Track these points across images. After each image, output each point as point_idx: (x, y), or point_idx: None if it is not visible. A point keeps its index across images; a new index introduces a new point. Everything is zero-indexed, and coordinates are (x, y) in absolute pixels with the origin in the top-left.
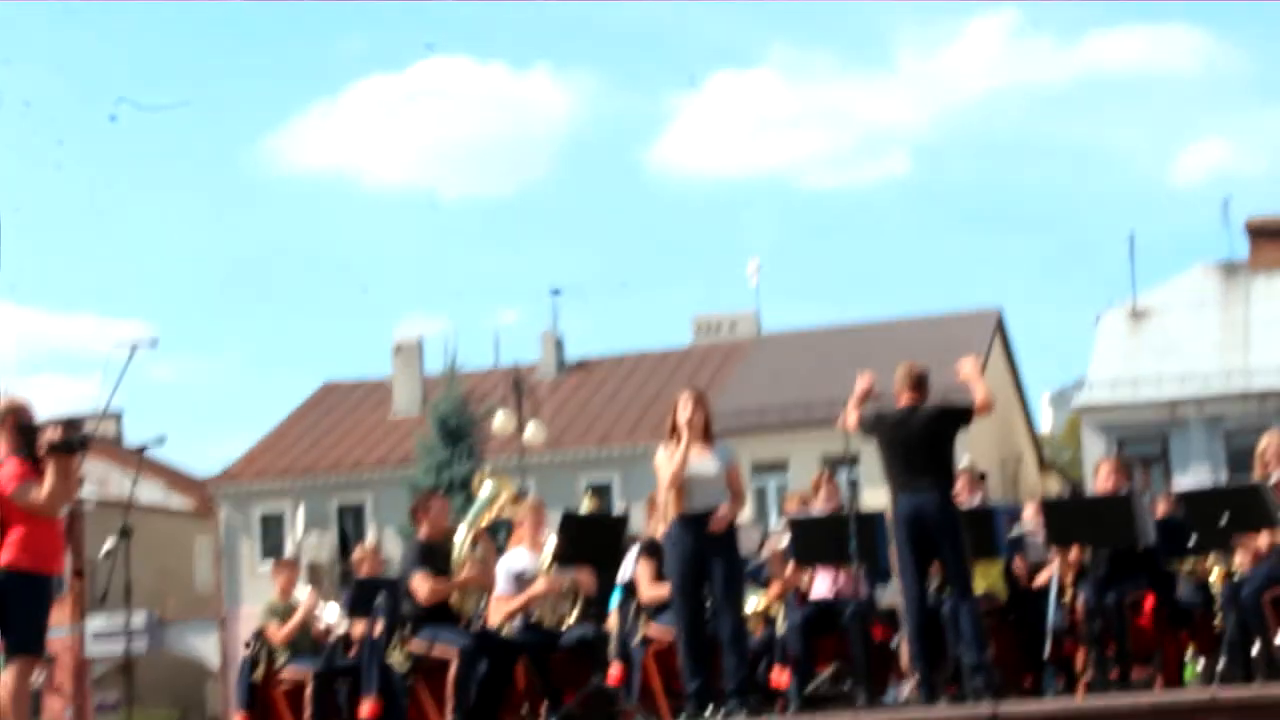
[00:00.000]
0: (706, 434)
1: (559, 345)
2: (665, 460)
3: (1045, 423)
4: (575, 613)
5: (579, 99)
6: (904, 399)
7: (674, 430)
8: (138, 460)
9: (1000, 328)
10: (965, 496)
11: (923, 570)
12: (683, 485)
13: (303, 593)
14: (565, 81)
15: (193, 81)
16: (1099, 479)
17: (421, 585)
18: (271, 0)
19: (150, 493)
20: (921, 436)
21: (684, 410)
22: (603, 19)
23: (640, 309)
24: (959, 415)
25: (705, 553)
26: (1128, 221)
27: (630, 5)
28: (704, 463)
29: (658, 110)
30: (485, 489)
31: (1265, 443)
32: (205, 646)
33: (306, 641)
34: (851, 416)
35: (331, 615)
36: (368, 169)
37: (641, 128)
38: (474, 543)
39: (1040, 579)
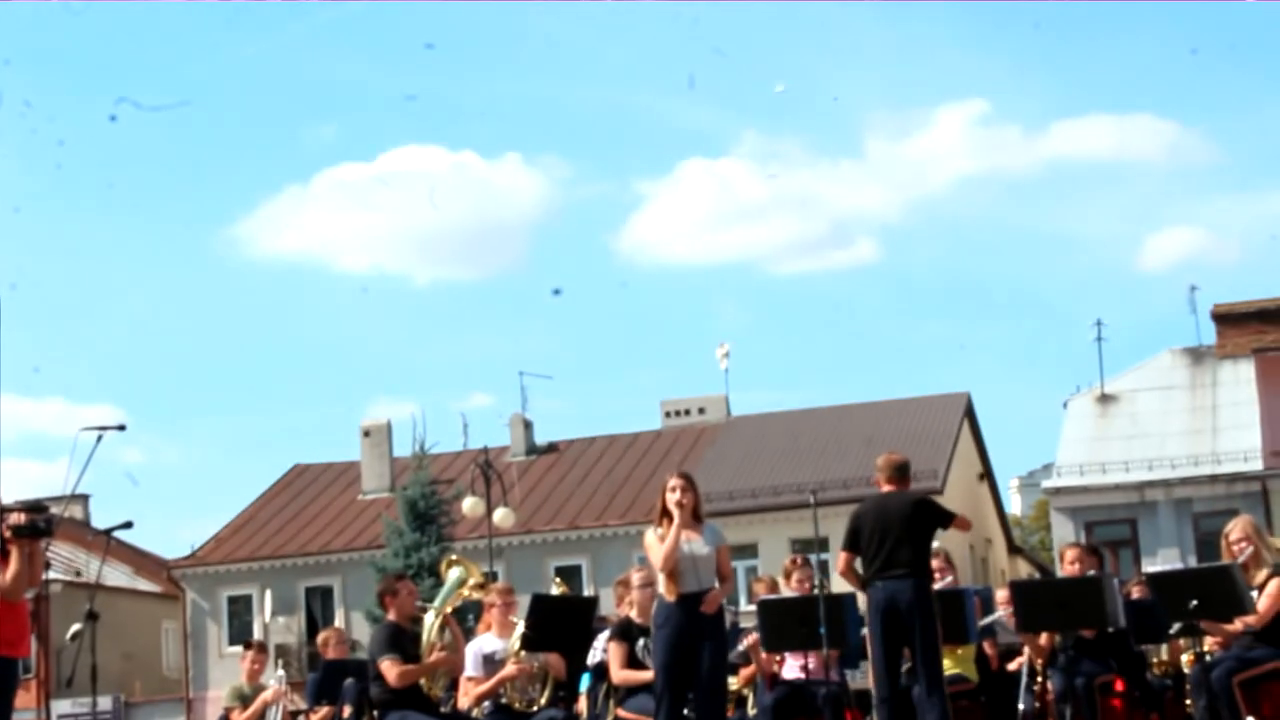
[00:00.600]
0: (696, 515)
1: (528, 427)
2: (656, 542)
3: (1014, 506)
4: (545, 696)
5: (550, 185)
6: (886, 487)
7: (664, 512)
8: (105, 543)
9: (969, 412)
10: (937, 579)
11: (895, 655)
12: (676, 566)
13: (272, 678)
14: (536, 168)
15: (166, 155)
16: (1064, 564)
17: (391, 669)
18: (241, 86)
19: (117, 575)
20: (900, 524)
21: (674, 491)
22: (573, 107)
23: (609, 393)
24: (939, 514)
25: (696, 634)
26: (1095, 307)
27: (601, 93)
28: (695, 544)
29: (627, 196)
30: (453, 573)
31: (1230, 526)
32: None
33: None
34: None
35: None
36: (338, 254)
37: (611, 214)
38: (442, 626)
39: (1012, 665)
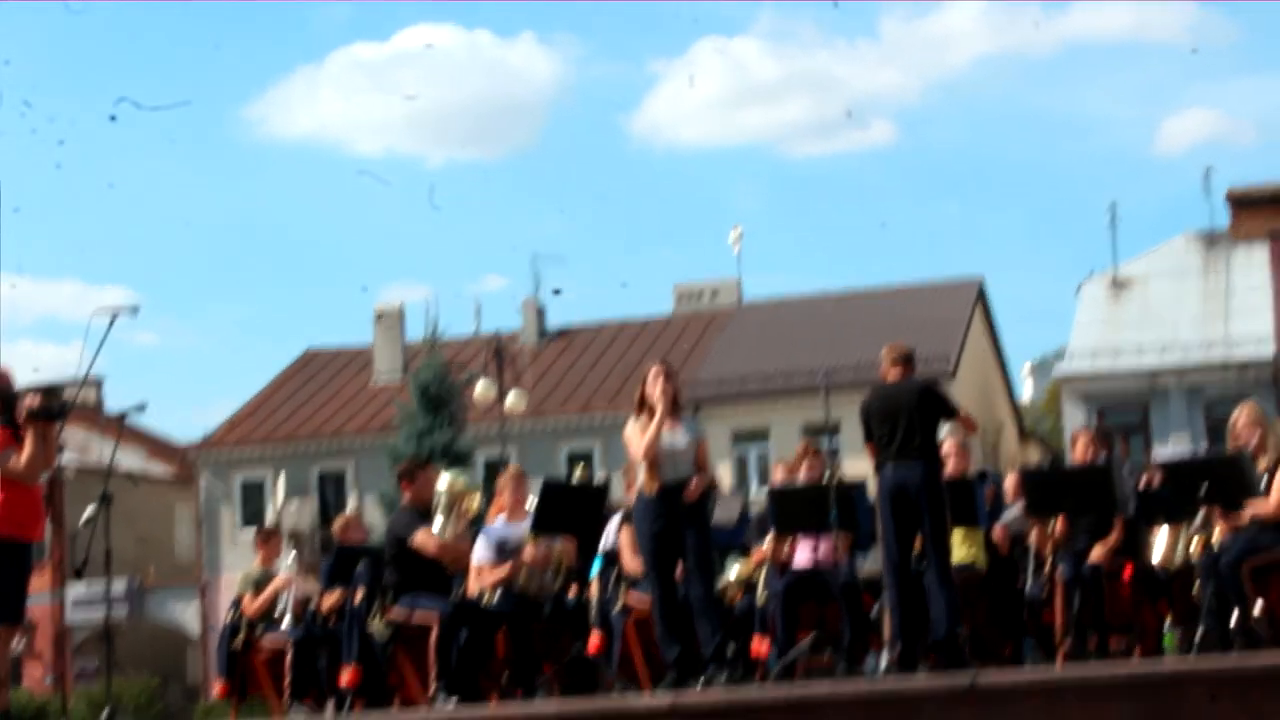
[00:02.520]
0: (675, 407)
1: (541, 314)
2: (636, 434)
3: (1026, 392)
4: (558, 581)
5: (564, 66)
6: (892, 375)
7: (643, 403)
8: (118, 428)
9: (981, 297)
10: (952, 465)
11: (906, 541)
12: (655, 459)
13: (286, 561)
14: (550, 48)
15: (176, 50)
16: (1076, 450)
17: (429, 540)
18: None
19: (131, 460)
20: (909, 409)
21: (654, 384)
22: None
23: (622, 276)
24: (944, 404)
25: (677, 524)
26: (1110, 191)
27: None
28: (674, 436)
29: (642, 77)
30: (442, 480)
31: (1236, 414)
32: (185, 614)
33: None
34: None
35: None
36: (351, 136)
37: (626, 95)
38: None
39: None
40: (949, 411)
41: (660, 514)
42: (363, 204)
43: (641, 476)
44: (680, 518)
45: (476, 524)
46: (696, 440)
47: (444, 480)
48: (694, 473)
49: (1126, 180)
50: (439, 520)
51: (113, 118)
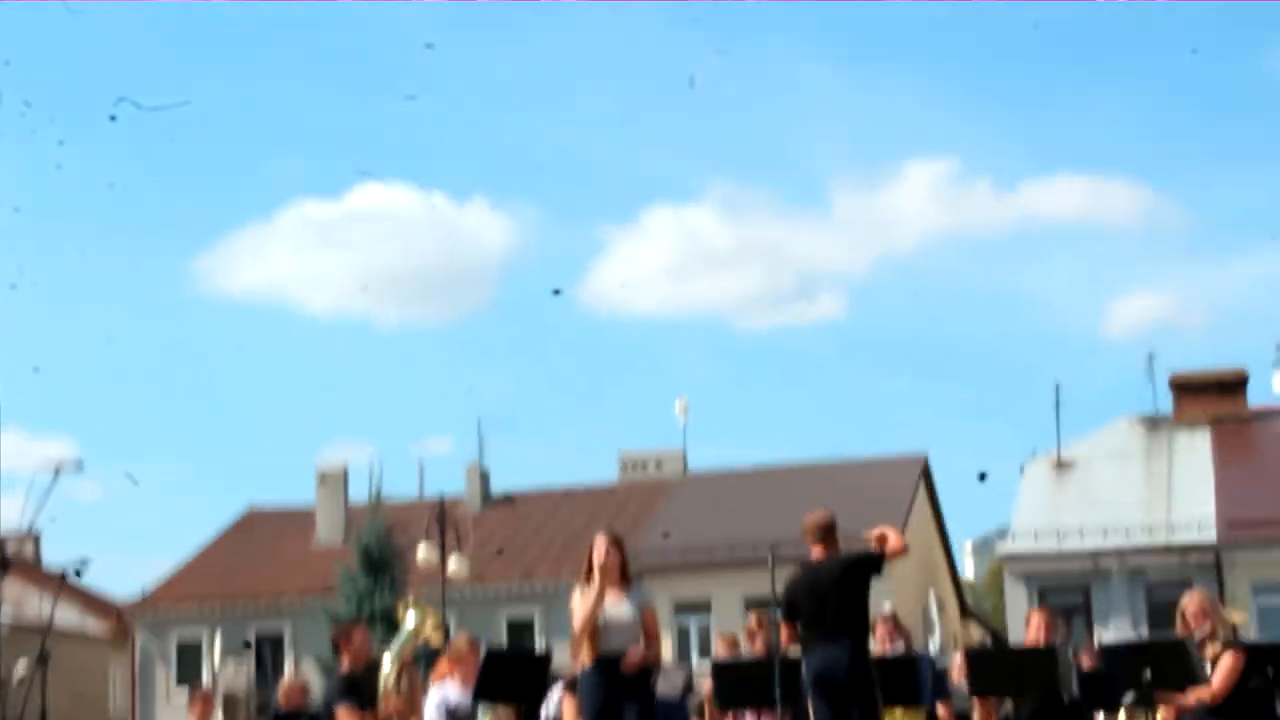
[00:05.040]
0: (623, 576)
1: (485, 478)
2: (579, 603)
3: (968, 569)
4: None
5: (516, 230)
6: (815, 552)
7: (589, 572)
8: (58, 585)
9: (926, 474)
10: (887, 644)
11: None
12: (597, 629)
13: None
14: (503, 212)
15: (130, 193)
16: (1030, 629)
17: (347, 718)
18: (205, 116)
19: (67, 616)
20: (832, 590)
21: (599, 553)
22: (542, 151)
23: (568, 443)
24: (870, 563)
25: (618, 697)
26: (1056, 371)
27: (570, 137)
28: (619, 606)
29: (592, 243)
30: (409, 618)
31: (1185, 601)
32: None
33: None
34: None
35: None
36: (300, 294)
37: (576, 261)
38: (400, 674)
39: None
40: (876, 565)
41: (600, 686)
42: (309, 362)
43: (582, 647)
44: (622, 691)
45: (420, 661)
46: (643, 610)
47: (411, 619)
48: (639, 643)
49: (1072, 360)
50: (386, 661)
51: (113, 118)
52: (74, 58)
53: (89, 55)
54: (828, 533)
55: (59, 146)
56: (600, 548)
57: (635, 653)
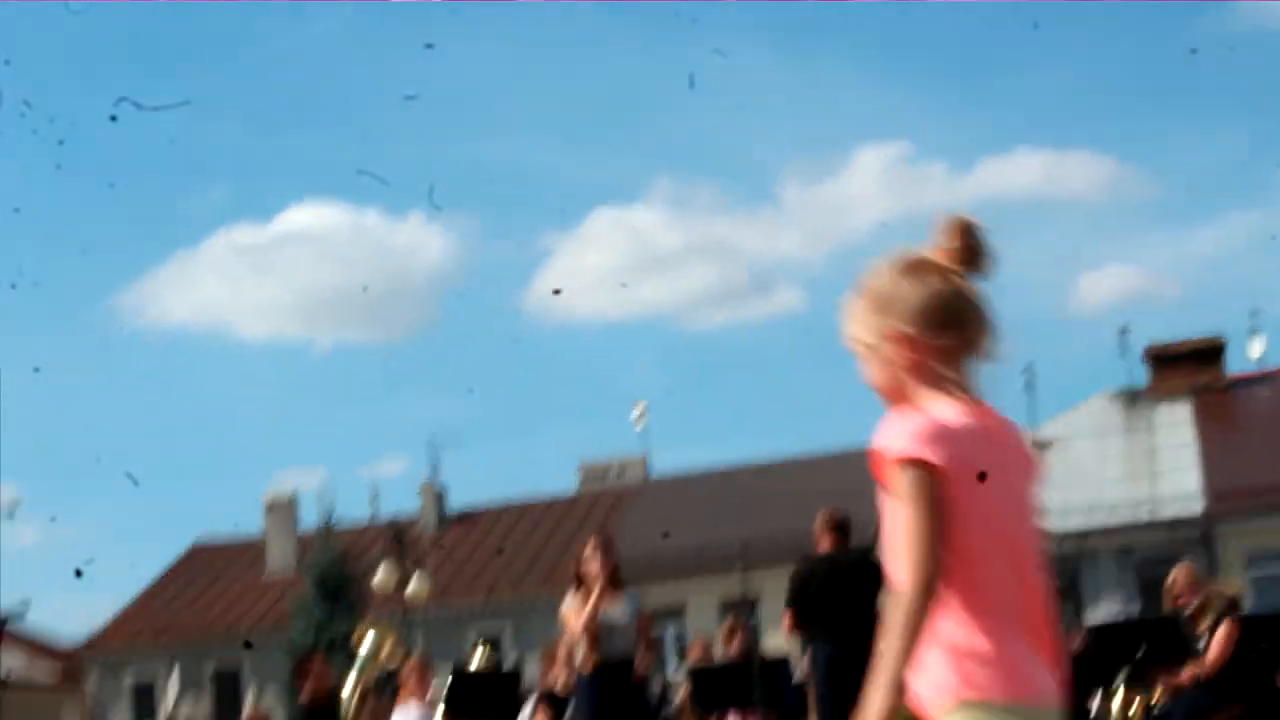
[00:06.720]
0: (615, 581)
1: (440, 497)
2: (574, 610)
3: None
4: None
5: (456, 244)
6: (825, 544)
7: (580, 579)
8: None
9: None
10: None
11: (844, 717)
12: (595, 634)
13: None
14: (442, 226)
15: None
16: None
17: None
18: (122, 147)
19: (13, 662)
20: (854, 583)
21: (591, 558)
22: (479, 162)
23: (524, 456)
24: (882, 576)
25: (618, 704)
26: (1026, 351)
27: (507, 147)
28: (615, 611)
29: (536, 252)
30: (368, 641)
31: (1173, 576)
32: None
33: None
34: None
35: None
36: (233, 321)
37: (520, 270)
38: (362, 699)
39: None
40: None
41: (600, 693)
42: (249, 390)
43: (580, 653)
44: (620, 696)
45: (383, 685)
46: (637, 614)
47: (370, 638)
48: (635, 647)
49: (1043, 339)
50: (346, 691)
51: (113, 118)
52: (74, 58)
53: (89, 55)
54: (841, 526)
55: (59, 146)
56: (592, 552)
57: (643, 659)
